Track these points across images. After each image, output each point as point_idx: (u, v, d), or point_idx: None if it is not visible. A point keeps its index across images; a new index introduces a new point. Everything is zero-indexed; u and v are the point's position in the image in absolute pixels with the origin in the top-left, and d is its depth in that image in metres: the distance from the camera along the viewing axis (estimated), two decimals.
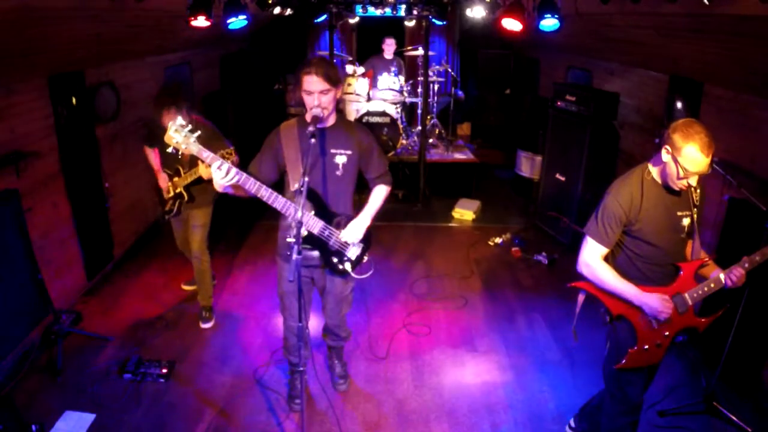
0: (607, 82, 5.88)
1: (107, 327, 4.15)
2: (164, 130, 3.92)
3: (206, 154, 2.58)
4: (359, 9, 7.56)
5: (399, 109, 7.48)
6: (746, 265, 2.45)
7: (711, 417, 3.29)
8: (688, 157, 2.25)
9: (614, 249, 2.54)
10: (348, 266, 2.99)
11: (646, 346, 2.48)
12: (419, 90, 7.53)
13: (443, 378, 3.74)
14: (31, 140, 3.86)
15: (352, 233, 2.92)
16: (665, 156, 2.34)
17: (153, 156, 4.17)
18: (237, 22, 4.76)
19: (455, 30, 9.68)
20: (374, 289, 4.78)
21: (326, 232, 2.90)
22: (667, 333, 2.49)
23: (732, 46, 3.30)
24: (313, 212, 2.87)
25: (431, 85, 7.84)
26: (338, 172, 2.91)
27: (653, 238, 2.43)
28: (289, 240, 2.40)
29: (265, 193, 2.69)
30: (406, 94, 7.64)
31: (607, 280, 2.45)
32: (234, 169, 2.58)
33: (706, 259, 2.53)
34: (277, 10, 6.30)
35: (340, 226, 2.93)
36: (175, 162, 3.93)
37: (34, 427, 3.05)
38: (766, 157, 3.50)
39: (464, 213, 6.50)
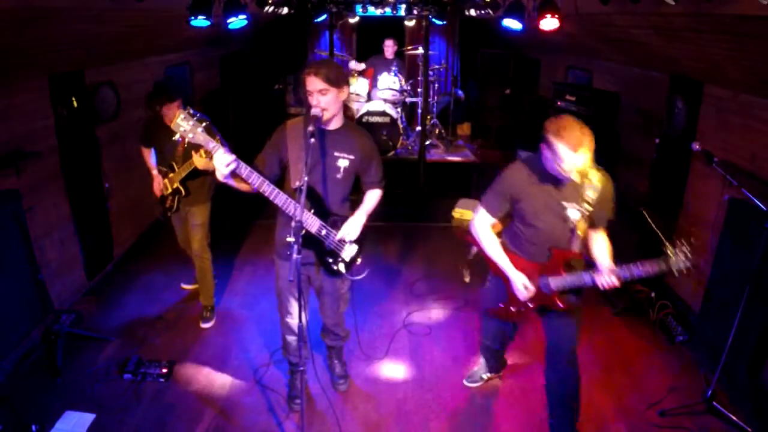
0: (607, 82, 5.87)
1: (107, 327, 4.15)
2: (161, 128, 3.94)
3: (212, 145, 2.60)
4: (359, 9, 7.56)
5: (399, 109, 7.47)
6: (624, 275, 2.59)
7: (711, 417, 3.29)
8: (560, 153, 2.50)
9: (511, 220, 2.91)
10: (342, 267, 3.01)
11: (513, 308, 2.95)
12: (419, 90, 7.54)
13: (443, 378, 3.74)
14: (31, 140, 3.85)
15: (350, 230, 2.95)
16: (545, 151, 2.59)
17: (148, 156, 4.19)
18: (237, 22, 4.77)
19: (455, 30, 9.68)
20: (374, 289, 4.78)
21: (323, 231, 2.92)
22: (530, 304, 2.88)
23: (732, 46, 3.30)
24: (312, 211, 2.88)
25: (431, 85, 7.83)
26: (339, 175, 2.94)
27: (533, 218, 2.74)
28: (289, 239, 2.41)
29: (267, 189, 2.72)
30: (406, 94, 7.64)
31: (487, 248, 2.90)
32: (233, 157, 2.59)
33: (577, 253, 2.75)
34: (283, 11, 6.30)
35: (336, 225, 2.95)
36: (169, 158, 3.95)
37: (34, 427, 3.05)
38: (766, 157, 3.50)
39: (464, 213, 6.49)
